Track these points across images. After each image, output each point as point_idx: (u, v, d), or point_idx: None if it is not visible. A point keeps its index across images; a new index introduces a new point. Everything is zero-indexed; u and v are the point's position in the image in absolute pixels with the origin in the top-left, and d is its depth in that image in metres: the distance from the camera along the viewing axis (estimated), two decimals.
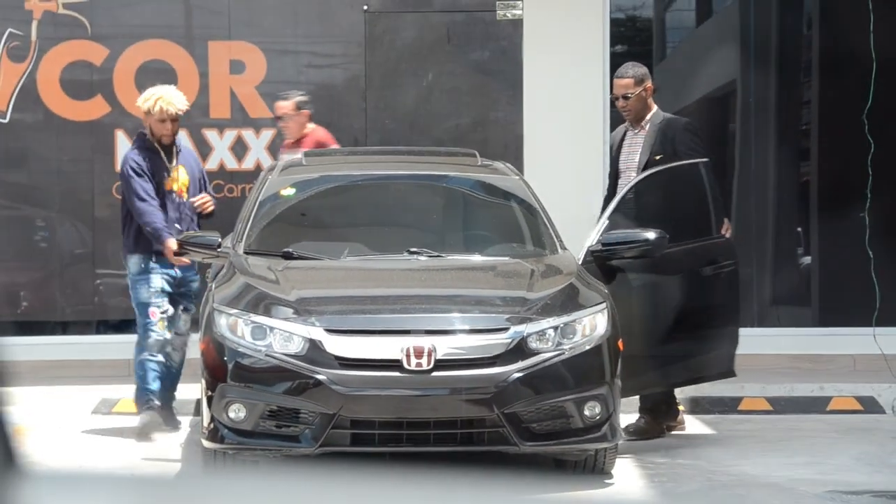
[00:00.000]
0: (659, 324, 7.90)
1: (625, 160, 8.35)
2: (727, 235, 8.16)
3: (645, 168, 8.17)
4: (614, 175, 8.40)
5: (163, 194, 8.37)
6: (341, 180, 8.26)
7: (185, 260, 8.09)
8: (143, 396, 8.35)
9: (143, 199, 8.26)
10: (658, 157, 8.18)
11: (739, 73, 11.08)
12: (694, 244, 8.01)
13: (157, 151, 8.43)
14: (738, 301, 8.19)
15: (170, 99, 8.41)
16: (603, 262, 7.68)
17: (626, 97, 8.27)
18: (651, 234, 7.55)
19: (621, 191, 8.11)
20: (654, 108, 8.38)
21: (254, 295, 7.06)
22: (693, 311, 7.98)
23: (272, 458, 6.91)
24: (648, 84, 8.32)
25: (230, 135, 10.60)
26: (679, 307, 7.95)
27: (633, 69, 8.39)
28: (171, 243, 8.11)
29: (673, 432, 8.44)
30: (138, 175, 8.33)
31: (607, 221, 7.76)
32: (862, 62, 10.28)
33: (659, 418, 8.29)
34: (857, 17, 10.28)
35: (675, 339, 7.92)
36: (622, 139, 8.41)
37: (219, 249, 7.59)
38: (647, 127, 8.30)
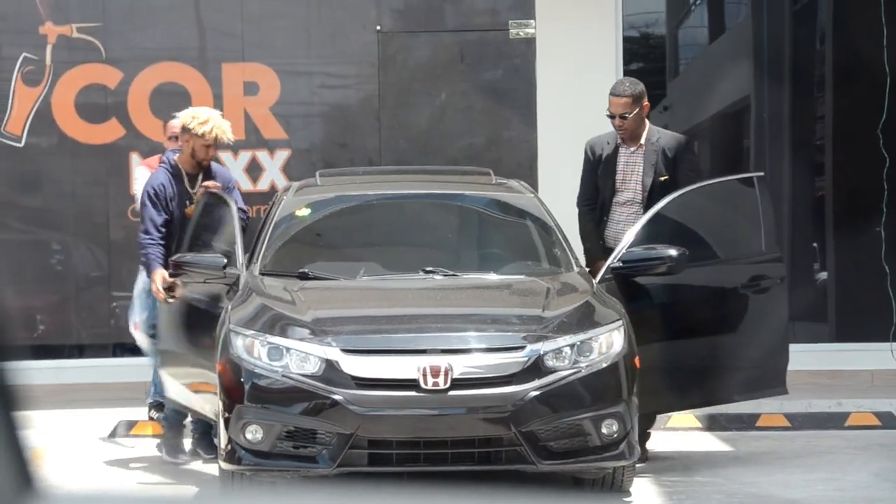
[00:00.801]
0: (704, 341, 7.84)
1: (623, 179, 8.21)
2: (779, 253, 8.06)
3: (651, 190, 8.10)
4: (609, 190, 8.20)
5: (185, 221, 8.24)
6: (356, 200, 8.26)
7: (167, 297, 7.92)
8: (172, 420, 8.29)
9: (147, 232, 8.15)
10: (663, 179, 8.10)
11: (753, 88, 11.07)
12: (743, 261, 7.93)
13: (181, 178, 8.28)
14: (787, 317, 8.06)
15: (225, 128, 8.24)
16: (624, 280, 7.64)
17: (623, 117, 8.10)
18: (673, 252, 7.50)
19: (619, 209, 8.10)
20: (648, 124, 8.30)
21: (270, 316, 7.06)
22: (740, 328, 7.91)
23: (290, 479, 6.91)
24: (646, 102, 8.22)
25: (245, 156, 10.62)
26: (726, 324, 7.89)
27: (631, 87, 8.21)
28: (158, 277, 7.96)
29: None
30: (153, 204, 8.17)
31: (633, 238, 7.71)
32: (876, 76, 10.26)
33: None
34: (871, 31, 10.27)
35: (721, 356, 7.86)
36: (616, 155, 8.25)
37: (226, 270, 7.54)
38: (645, 145, 8.19)
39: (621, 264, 7.63)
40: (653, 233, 7.72)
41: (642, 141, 8.19)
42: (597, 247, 8.18)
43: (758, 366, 7.93)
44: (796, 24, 11.07)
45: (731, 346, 7.86)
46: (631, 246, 7.67)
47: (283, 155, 10.61)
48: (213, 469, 7.63)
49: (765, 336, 7.93)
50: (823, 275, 11.03)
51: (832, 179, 10.96)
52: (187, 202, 8.25)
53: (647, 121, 8.26)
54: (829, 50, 11.09)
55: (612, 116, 8.18)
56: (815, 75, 11.20)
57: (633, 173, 8.20)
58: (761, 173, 8.19)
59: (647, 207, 8.06)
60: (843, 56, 10.89)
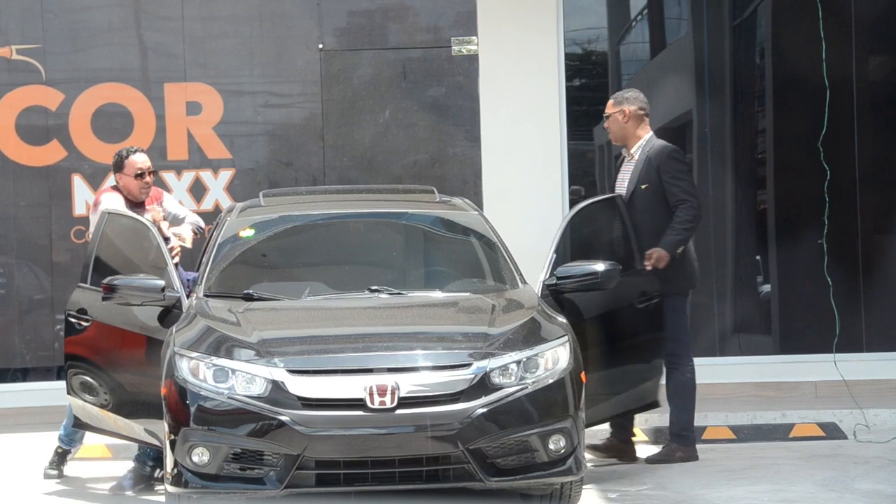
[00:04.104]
0: (590, 358, 7.91)
1: (619, 188, 8.56)
2: (648, 268, 8.23)
3: (632, 197, 8.38)
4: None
5: None
6: (300, 220, 8.26)
7: None
8: (143, 459, 8.20)
9: None
10: (643, 187, 8.34)
11: (695, 103, 11.16)
12: (627, 277, 8.04)
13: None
14: (663, 332, 8.23)
15: None
16: (558, 295, 7.72)
17: (605, 116, 8.60)
18: (601, 266, 7.62)
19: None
20: (646, 135, 8.55)
21: (215, 338, 7.04)
22: (622, 344, 8.01)
23: (237, 501, 6.89)
24: (626, 108, 8.54)
25: (188, 176, 10.60)
26: (607, 340, 7.97)
27: (619, 92, 8.74)
28: None
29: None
30: None
31: (554, 255, 7.81)
32: (815, 90, 10.37)
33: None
34: (809, 45, 10.37)
35: (605, 373, 7.93)
36: (620, 162, 8.65)
37: (165, 293, 7.50)
38: (638, 155, 8.53)
39: (555, 280, 7.70)
40: (570, 249, 7.92)
41: (633, 149, 8.55)
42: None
43: (635, 382, 8.09)
44: (736, 39, 11.17)
45: (611, 363, 7.94)
46: (556, 263, 7.76)
47: (226, 175, 10.60)
48: (159, 492, 7.59)
49: (643, 352, 8.11)
50: (767, 287, 11.12)
51: (774, 192, 11.06)
52: None
53: (644, 131, 8.55)
54: (768, 64, 11.20)
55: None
56: (755, 89, 11.30)
57: (623, 181, 8.55)
58: (619, 193, 8.43)
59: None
60: (783, 70, 10.99)
